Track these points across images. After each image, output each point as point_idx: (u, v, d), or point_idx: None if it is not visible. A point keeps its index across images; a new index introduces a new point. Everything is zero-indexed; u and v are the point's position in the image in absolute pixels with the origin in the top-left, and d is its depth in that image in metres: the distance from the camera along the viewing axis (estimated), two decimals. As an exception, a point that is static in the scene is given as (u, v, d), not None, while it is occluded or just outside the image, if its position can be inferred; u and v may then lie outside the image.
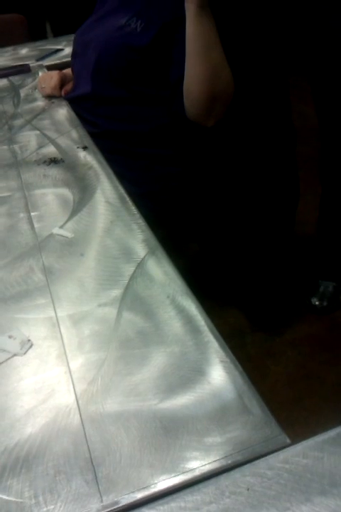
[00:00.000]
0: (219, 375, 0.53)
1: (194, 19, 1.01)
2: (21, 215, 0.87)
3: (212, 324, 0.60)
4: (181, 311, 0.62)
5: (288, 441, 0.46)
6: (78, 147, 1.11)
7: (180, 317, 0.61)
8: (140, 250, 0.74)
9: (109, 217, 0.84)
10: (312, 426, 1.28)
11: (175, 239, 1.40)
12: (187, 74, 1.08)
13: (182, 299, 0.64)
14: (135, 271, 0.70)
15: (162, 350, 0.57)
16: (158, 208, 1.28)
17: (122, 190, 0.91)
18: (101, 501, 0.43)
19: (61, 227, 0.82)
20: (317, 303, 1.71)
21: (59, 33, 2.52)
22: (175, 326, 0.60)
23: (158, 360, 0.55)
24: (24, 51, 2.01)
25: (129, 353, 0.57)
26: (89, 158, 1.05)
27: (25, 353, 0.58)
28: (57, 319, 0.63)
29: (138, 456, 0.46)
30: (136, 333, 0.59)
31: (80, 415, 0.50)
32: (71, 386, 0.54)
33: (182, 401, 0.51)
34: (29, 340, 0.60)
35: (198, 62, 1.05)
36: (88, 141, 1.14)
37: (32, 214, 0.87)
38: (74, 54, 1.41)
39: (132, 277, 0.69)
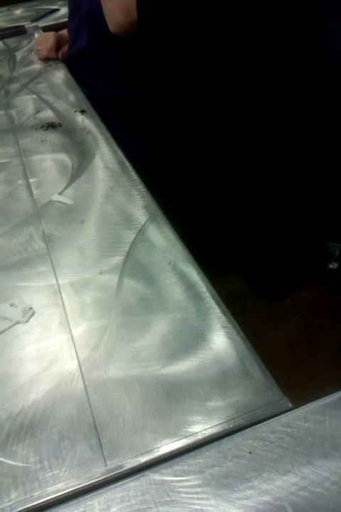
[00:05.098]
0: (221, 340, 0.53)
1: None
2: (20, 181, 0.86)
3: (213, 290, 0.60)
4: (182, 277, 0.62)
5: (290, 405, 0.46)
6: (76, 111, 1.09)
7: (182, 283, 0.61)
8: (140, 216, 0.73)
9: (108, 183, 0.82)
10: (312, 390, 1.29)
11: (175, 205, 1.39)
12: None
13: (183, 266, 0.63)
14: (136, 237, 0.69)
15: (164, 316, 0.57)
16: (156, 173, 1.27)
17: (121, 155, 0.90)
18: (106, 465, 0.43)
19: (60, 193, 0.81)
20: (335, 266, 1.68)
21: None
22: (176, 292, 0.60)
23: (160, 327, 0.56)
24: (19, 11, 1.96)
25: (131, 320, 0.57)
26: (87, 123, 1.03)
27: (27, 321, 0.59)
28: (58, 287, 0.63)
29: (141, 421, 0.46)
30: (137, 300, 0.59)
31: (83, 381, 0.51)
32: (74, 353, 0.54)
33: (184, 366, 0.51)
34: (31, 308, 0.60)
35: None
36: (86, 104, 1.11)
37: (30, 180, 0.86)
38: (69, 12, 1.37)
39: (133, 244, 0.68)
